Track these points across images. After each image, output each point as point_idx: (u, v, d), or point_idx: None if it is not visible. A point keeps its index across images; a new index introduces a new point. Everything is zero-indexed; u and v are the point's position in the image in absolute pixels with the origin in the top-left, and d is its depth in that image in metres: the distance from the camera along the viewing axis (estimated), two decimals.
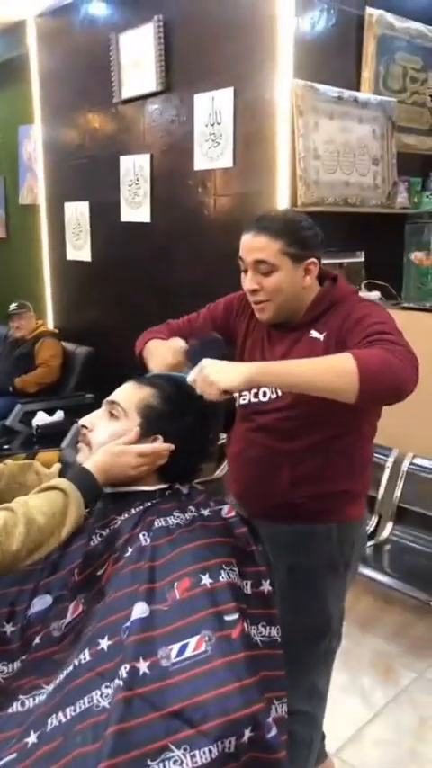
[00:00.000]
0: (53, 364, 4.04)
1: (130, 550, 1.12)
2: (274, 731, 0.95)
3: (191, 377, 1.25)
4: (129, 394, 1.28)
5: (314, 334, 1.42)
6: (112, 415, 1.26)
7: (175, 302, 3.40)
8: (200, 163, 3.16)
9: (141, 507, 1.19)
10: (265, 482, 1.49)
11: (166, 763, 0.86)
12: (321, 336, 1.41)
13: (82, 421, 1.29)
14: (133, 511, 1.18)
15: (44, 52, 4.18)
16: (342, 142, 2.83)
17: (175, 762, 0.86)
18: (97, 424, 1.27)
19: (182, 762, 0.86)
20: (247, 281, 1.41)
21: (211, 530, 1.16)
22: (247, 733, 0.90)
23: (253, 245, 1.38)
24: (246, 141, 2.93)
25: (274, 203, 2.82)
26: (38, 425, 3.70)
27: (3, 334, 4.75)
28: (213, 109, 3.02)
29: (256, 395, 1.47)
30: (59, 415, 3.77)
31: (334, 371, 1.21)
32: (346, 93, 2.81)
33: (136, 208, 3.62)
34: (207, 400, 1.24)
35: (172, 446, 1.22)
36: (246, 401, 1.49)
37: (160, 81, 3.27)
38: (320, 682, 1.55)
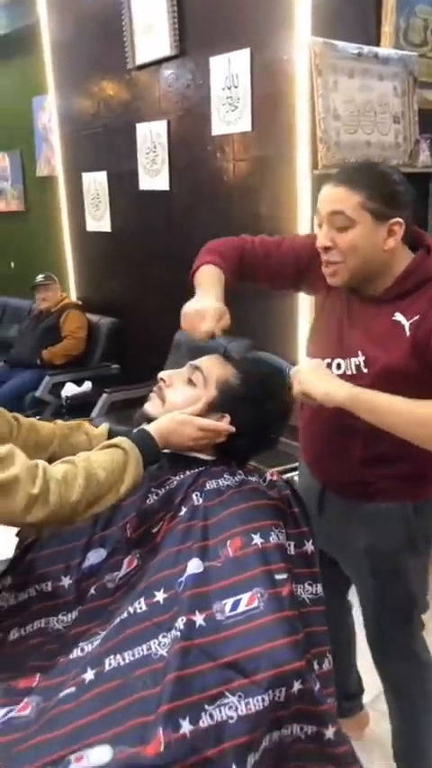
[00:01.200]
0: (79, 336, 4.09)
1: (183, 510, 1.18)
2: (318, 686, 1.02)
3: (293, 371, 1.24)
4: (213, 366, 1.31)
5: (398, 317, 1.26)
6: (190, 380, 1.30)
7: None
8: (217, 127, 3.13)
9: (196, 470, 1.24)
10: (335, 457, 1.43)
11: (222, 708, 0.93)
12: (407, 323, 1.25)
13: (161, 374, 1.32)
14: (188, 473, 1.24)
15: (55, 20, 4.12)
16: (362, 101, 2.78)
17: (230, 707, 0.93)
18: (175, 382, 1.31)
19: (236, 708, 0.93)
20: (320, 237, 1.27)
21: (259, 492, 1.22)
22: (297, 685, 0.97)
23: (330, 196, 1.24)
24: (264, 104, 2.90)
25: (293, 166, 2.80)
26: (67, 396, 3.78)
27: (26, 307, 4.82)
28: (230, 72, 2.98)
29: (329, 366, 1.35)
30: (87, 385, 3.84)
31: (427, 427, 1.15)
32: (366, 49, 2.75)
33: (154, 176, 3.61)
34: (285, 399, 1.25)
35: (233, 429, 1.25)
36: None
37: (174, 45, 3.23)
38: (417, 646, 1.54)
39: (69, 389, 3.82)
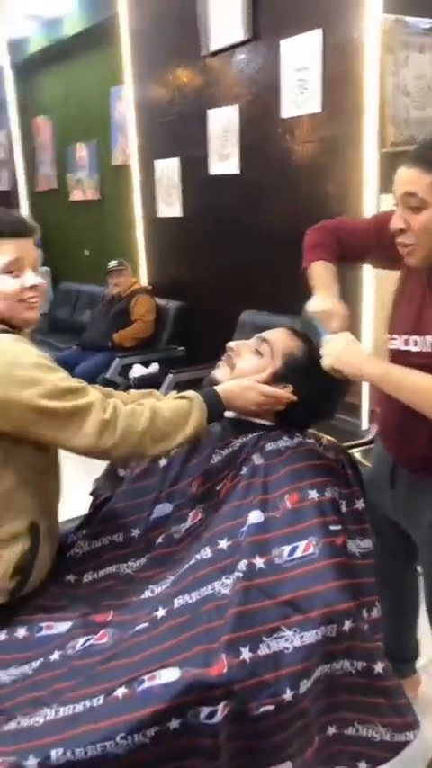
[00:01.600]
0: (148, 319, 4.21)
1: (245, 469, 1.26)
2: (366, 626, 1.09)
3: (326, 338, 1.29)
4: (281, 338, 1.38)
5: None
6: (257, 351, 1.37)
7: (265, 253, 3.47)
8: (287, 110, 3.15)
9: (257, 434, 1.32)
10: (405, 435, 1.44)
11: (279, 640, 1.02)
12: None
13: (231, 344, 1.41)
14: (249, 436, 1.32)
15: (134, 12, 4.25)
16: None
17: (286, 640, 1.02)
18: (243, 351, 1.39)
19: (292, 640, 1.02)
20: (395, 218, 1.28)
21: (316, 453, 1.29)
22: (348, 624, 1.05)
23: (403, 178, 1.25)
24: (334, 84, 2.91)
25: (361, 145, 2.79)
26: (135, 377, 3.89)
27: (99, 293, 4.99)
28: (301, 54, 3.00)
29: (407, 342, 1.36)
30: (155, 367, 3.95)
31: None
32: None
33: (225, 160, 3.67)
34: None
35: (295, 398, 1.32)
36: (395, 347, 1.40)
37: (247, 29, 3.28)
38: None
39: (137, 371, 3.95)
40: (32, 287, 1.26)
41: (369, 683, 1.09)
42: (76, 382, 1.19)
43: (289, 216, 3.29)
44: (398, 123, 2.69)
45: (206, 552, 1.16)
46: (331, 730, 1.11)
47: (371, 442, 2.49)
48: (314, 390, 1.34)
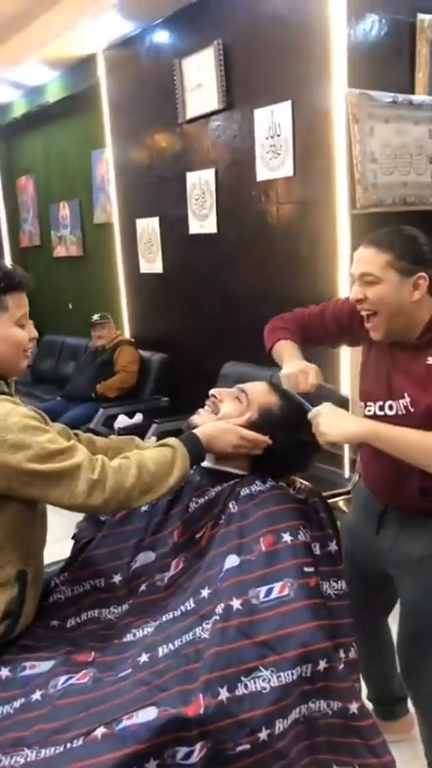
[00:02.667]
0: (131, 370, 4.30)
1: (222, 518, 1.32)
2: (342, 666, 1.14)
3: (311, 414, 1.36)
4: (258, 392, 1.45)
5: (431, 360, 1.41)
6: (237, 398, 1.45)
7: (243, 307, 3.61)
8: (262, 174, 3.33)
9: (232, 482, 1.38)
10: (394, 485, 1.51)
11: (257, 680, 1.06)
12: None
13: (213, 391, 1.49)
14: (225, 484, 1.38)
15: (113, 81, 4.48)
16: (398, 144, 2.93)
17: (263, 680, 1.06)
18: (225, 398, 1.46)
19: (269, 680, 1.06)
20: (354, 291, 1.43)
21: (288, 496, 1.35)
22: (323, 663, 1.10)
23: (361, 257, 1.41)
24: (305, 150, 3.09)
25: (333, 208, 2.96)
26: (119, 427, 3.94)
27: (84, 345, 5.08)
28: (273, 122, 3.20)
29: (382, 408, 1.48)
30: (139, 417, 4.02)
31: None
32: (401, 96, 2.91)
33: (203, 220, 3.83)
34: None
35: (270, 441, 1.39)
36: (371, 413, 1.50)
37: (222, 99, 3.48)
38: None
39: (122, 421, 4.01)
40: (32, 338, 1.34)
41: (345, 723, 1.14)
42: (64, 443, 1.23)
43: (264, 274, 3.45)
44: (366, 187, 2.86)
45: (189, 603, 1.20)
46: None
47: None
48: (288, 445, 1.41)
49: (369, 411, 1.51)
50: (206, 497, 1.38)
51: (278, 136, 3.19)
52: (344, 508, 2.23)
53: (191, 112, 3.75)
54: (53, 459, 1.19)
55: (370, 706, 1.68)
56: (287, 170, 3.18)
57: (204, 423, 1.42)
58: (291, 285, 3.27)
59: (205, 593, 1.20)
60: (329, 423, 1.32)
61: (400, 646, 1.66)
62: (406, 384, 1.44)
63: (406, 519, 1.55)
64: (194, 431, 1.37)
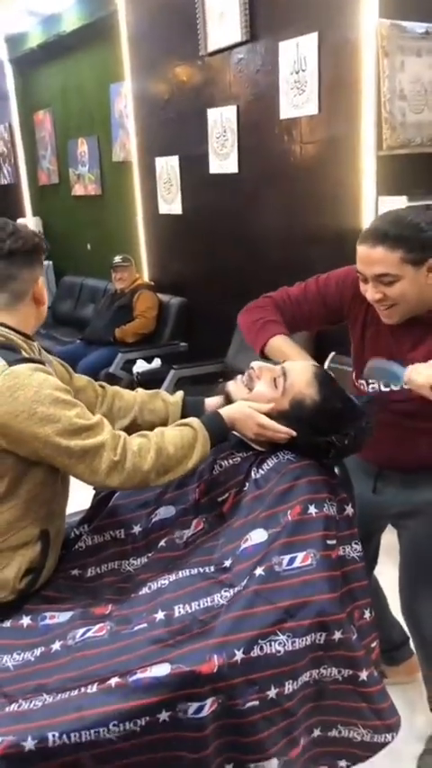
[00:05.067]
0: (150, 316, 4.28)
1: (247, 485, 1.32)
2: (355, 636, 1.18)
3: (408, 370, 1.32)
4: (299, 380, 1.36)
5: None
6: (274, 380, 1.38)
7: (263, 250, 3.53)
8: (285, 111, 3.20)
9: (258, 450, 1.38)
10: (400, 452, 1.53)
11: (273, 644, 1.09)
12: None
13: (255, 364, 1.41)
14: (251, 452, 1.38)
15: (132, 10, 4.27)
16: (430, 80, 2.79)
17: (279, 644, 1.09)
18: (264, 376, 1.39)
19: (284, 644, 1.09)
20: (369, 293, 1.40)
21: (315, 468, 1.32)
22: (338, 634, 1.14)
23: (371, 259, 1.35)
24: (331, 87, 2.95)
25: (359, 148, 2.85)
26: (138, 372, 3.97)
27: (101, 287, 5.05)
28: (298, 56, 3.05)
29: (387, 384, 1.48)
30: (157, 362, 4.03)
31: None
32: None
33: (224, 159, 3.72)
34: (352, 439, 1.32)
35: (294, 433, 1.33)
36: (375, 390, 1.51)
37: (245, 31, 3.31)
38: None
39: (140, 366, 4.02)
40: None
41: (354, 689, 1.18)
42: (91, 417, 1.24)
43: (286, 216, 3.36)
44: (394, 126, 2.74)
45: (210, 568, 1.23)
46: (316, 732, 1.19)
47: None
48: (314, 443, 1.33)
49: (373, 388, 1.51)
50: (231, 461, 1.38)
51: (303, 71, 3.04)
52: None
53: (212, 45, 3.58)
54: (79, 434, 1.21)
55: None
56: (312, 108, 3.05)
57: (237, 396, 1.39)
58: (314, 227, 3.18)
59: (227, 563, 1.22)
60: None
61: (404, 592, 1.71)
62: (418, 358, 1.40)
63: (407, 476, 1.57)
64: (220, 411, 1.35)
